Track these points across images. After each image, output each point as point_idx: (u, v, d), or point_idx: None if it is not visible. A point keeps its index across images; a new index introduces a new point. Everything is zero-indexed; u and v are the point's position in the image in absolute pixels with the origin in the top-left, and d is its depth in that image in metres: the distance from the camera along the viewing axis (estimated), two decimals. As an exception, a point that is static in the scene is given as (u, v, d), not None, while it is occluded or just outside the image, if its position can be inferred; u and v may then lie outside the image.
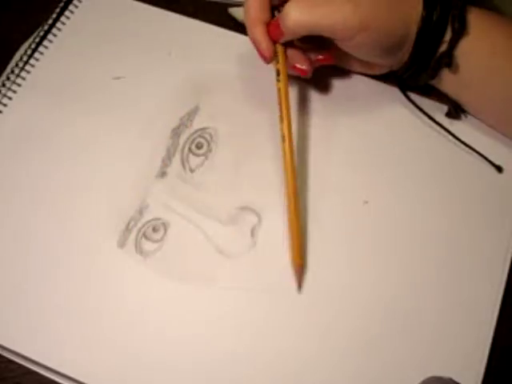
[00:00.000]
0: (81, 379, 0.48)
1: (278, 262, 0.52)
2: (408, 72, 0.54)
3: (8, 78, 0.58)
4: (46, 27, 0.61)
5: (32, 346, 0.49)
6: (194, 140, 0.56)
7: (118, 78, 0.59)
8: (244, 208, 0.54)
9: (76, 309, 0.50)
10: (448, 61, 0.51)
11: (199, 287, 0.51)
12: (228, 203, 0.54)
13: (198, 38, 0.60)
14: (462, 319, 0.50)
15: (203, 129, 0.56)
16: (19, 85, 0.58)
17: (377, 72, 0.56)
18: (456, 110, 0.55)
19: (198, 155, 0.56)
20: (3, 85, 0.58)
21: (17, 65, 0.59)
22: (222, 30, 0.61)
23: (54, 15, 0.61)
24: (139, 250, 0.52)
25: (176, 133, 0.56)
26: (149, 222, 0.53)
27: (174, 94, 0.58)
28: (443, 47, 0.51)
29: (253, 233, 0.53)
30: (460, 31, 0.50)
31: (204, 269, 0.52)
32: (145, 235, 0.53)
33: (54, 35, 0.61)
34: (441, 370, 0.48)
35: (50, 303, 0.50)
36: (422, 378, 0.48)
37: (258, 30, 0.51)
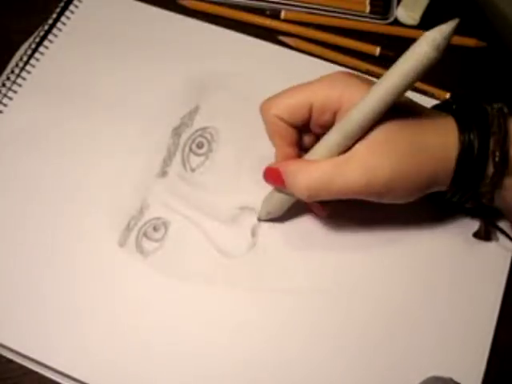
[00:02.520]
0: (81, 378, 0.48)
1: (278, 261, 0.51)
2: (452, 197, 0.49)
3: (8, 78, 0.58)
4: (46, 27, 0.60)
5: (31, 345, 0.49)
6: (194, 139, 0.56)
7: (118, 78, 0.58)
8: (245, 208, 0.53)
9: (76, 307, 0.50)
10: (490, 196, 0.47)
11: (199, 287, 0.50)
12: (229, 203, 0.53)
13: (198, 38, 0.60)
14: (463, 319, 0.50)
15: (204, 128, 0.56)
16: (20, 85, 0.58)
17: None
18: (486, 232, 0.52)
19: (198, 155, 0.55)
20: (3, 85, 0.57)
21: (17, 65, 0.58)
22: (222, 30, 0.60)
23: (55, 15, 0.60)
24: (140, 249, 0.52)
25: (177, 132, 0.56)
26: (149, 221, 0.53)
27: (175, 93, 0.57)
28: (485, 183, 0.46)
29: (253, 232, 0.52)
30: (502, 168, 0.45)
31: (204, 268, 0.51)
32: (145, 234, 0.52)
33: (55, 35, 0.60)
34: (441, 370, 0.48)
35: (49, 302, 0.50)
36: (422, 378, 0.47)
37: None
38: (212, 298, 0.50)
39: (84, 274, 0.51)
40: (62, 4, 0.61)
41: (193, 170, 0.54)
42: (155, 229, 0.52)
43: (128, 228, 0.52)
